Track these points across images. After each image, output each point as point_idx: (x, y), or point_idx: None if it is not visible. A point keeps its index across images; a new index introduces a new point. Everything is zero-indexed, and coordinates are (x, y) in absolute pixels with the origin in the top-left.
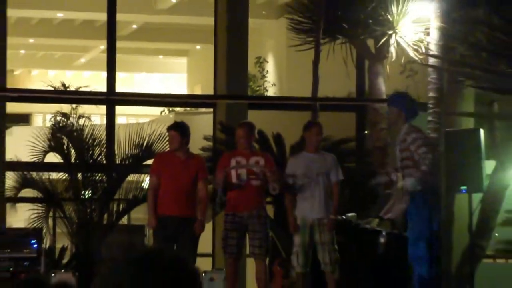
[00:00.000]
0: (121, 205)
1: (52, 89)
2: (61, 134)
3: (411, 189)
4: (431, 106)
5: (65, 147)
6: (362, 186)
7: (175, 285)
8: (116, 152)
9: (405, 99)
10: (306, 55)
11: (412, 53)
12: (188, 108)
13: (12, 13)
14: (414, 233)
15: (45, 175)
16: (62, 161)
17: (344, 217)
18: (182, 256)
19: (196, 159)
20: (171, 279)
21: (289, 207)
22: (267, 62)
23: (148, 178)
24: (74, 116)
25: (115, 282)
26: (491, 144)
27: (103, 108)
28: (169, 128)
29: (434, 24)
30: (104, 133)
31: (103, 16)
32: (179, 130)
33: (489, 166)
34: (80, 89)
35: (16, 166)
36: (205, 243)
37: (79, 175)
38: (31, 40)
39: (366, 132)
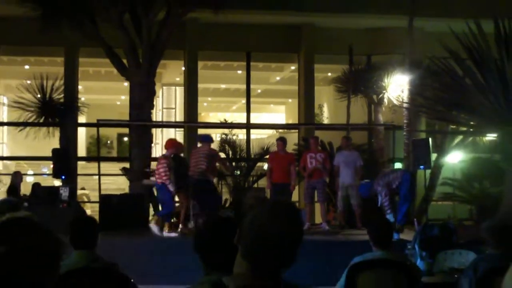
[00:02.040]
0: (253, 178)
1: (219, 122)
2: (225, 144)
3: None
4: (405, 127)
5: (227, 149)
6: (372, 168)
7: (291, 216)
8: (251, 151)
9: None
10: (343, 103)
11: (395, 101)
12: (286, 130)
13: (200, 86)
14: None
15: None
16: (225, 156)
17: (362, 182)
18: (291, 202)
19: (289, 154)
20: (290, 213)
21: (336, 177)
22: (324, 106)
23: (266, 164)
24: (230, 135)
25: (259, 219)
26: (434, 145)
27: (244, 131)
28: (277, 140)
29: (406, 87)
30: (245, 143)
31: (243, 86)
32: (282, 140)
33: (434, 156)
34: (233, 122)
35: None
36: (294, 195)
37: (233, 163)
38: (209, 98)
39: (372, 140)
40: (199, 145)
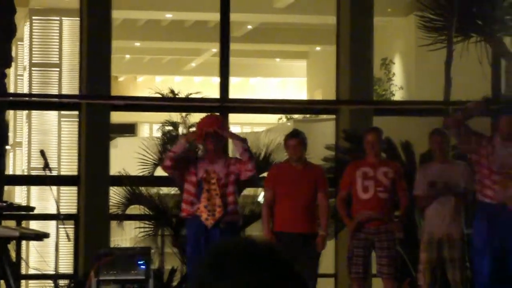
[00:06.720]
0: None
1: (160, 96)
2: (168, 144)
3: None
4: None
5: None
6: None
7: None
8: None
9: None
10: (437, 55)
11: None
12: (308, 115)
13: (116, 15)
14: None
15: (154, 190)
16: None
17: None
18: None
19: (315, 169)
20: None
21: (420, 221)
22: (394, 63)
23: (263, 192)
24: (184, 125)
25: None
26: None
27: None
28: (288, 137)
29: None
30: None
31: (215, 17)
32: (299, 137)
33: None
34: (191, 96)
35: (123, 180)
36: (327, 262)
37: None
38: (137, 44)
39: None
40: None
